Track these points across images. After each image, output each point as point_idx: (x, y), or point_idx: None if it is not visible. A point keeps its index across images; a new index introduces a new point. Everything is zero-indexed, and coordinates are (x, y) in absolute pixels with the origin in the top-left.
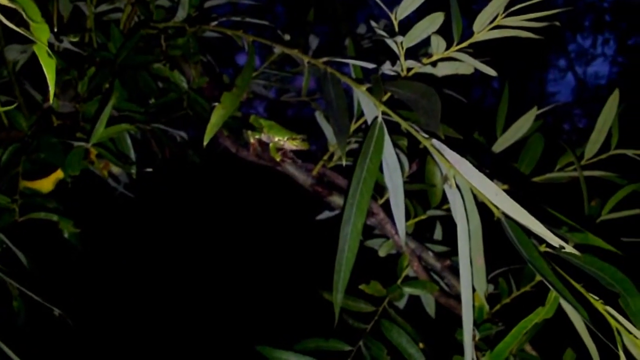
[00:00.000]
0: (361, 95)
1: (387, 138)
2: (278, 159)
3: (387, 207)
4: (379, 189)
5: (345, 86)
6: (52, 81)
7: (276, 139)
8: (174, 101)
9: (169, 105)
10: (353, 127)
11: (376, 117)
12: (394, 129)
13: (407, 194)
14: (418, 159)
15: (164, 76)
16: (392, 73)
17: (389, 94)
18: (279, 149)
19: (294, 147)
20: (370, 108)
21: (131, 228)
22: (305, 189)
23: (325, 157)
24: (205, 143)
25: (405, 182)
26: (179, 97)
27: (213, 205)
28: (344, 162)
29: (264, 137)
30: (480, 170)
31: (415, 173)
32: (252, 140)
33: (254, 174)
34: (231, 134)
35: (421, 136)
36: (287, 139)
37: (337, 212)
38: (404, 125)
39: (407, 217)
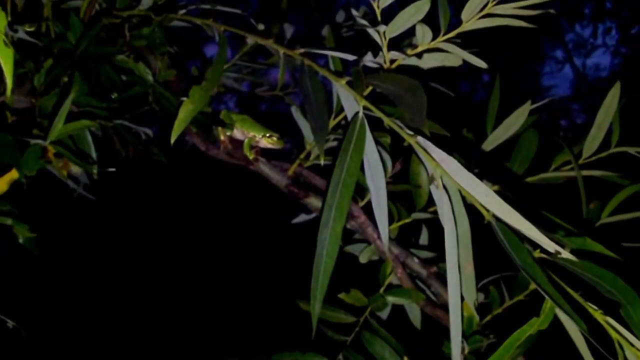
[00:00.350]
0: (341, 89)
1: (368, 135)
2: (251, 157)
3: (368, 210)
4: (360, 190)
5: (323, 79)
6: (9, 73)
7: (250, 134)
8: (138, 95)
9: (133, 100)
10: (332, 123)
11: (357, 113)
12: (376, 126)
13: (391, 196)
14: (402, 158)
15: (128, 68)
16: (374, 65)
17: (370, 88)
18: (253, 147)
19: (269, 146)
20: (351, 103)
21: (91, 233)
22: (280, 190)
23: (302, 156)
24: (172, 141)
25: (388, 183)
26: (144, 91)
27: (180, 208)
28: (322, 161)
29: (236, 134)
30: (469, 170)
31: (399, 173)
32: (222, 138)
33: (225, 173)
34: (200, 131)
35: (405, 133)
36: (262, 137)
37: (314, 215)
38: (387, 121)
39: (391, 221)
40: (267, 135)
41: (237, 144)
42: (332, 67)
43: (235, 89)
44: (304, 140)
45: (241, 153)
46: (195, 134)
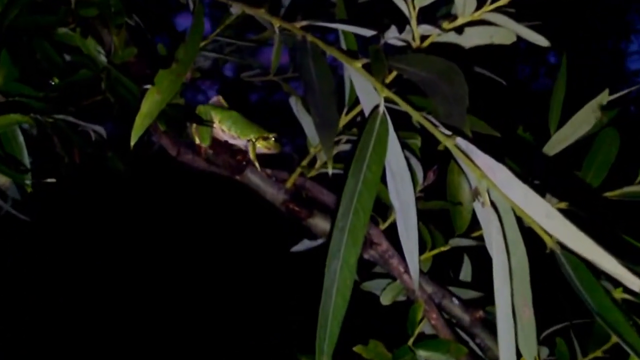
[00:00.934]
0: (355, 74)
1: (392, 135)
2: (256, 163)
3: (392, 235)
4: (381, 209)
5: (332, 62)
6: None
7: (238, 137)
8: (87, 82)
9: (80, 88)
10: (344, 120)
11: (377, 107)
12: (403, 123)
13: (422, 216)
14: (437, 166)
15: (73, 46)
16: (400, 43)
17: (395, 74)
18: (239, 152)
19: (265, 151)
20: (369, 93)
21: (24, 263)
22: (276, 208)
23: (304, 163)
24: (132, 143)
25: (418, 199)
26: (95, 75)
27: (142, 234)
28: (330, 170)
29: (219, 134)
30: (526, 182)
31: (433, 186)
32: (201, 139)
33: (202, 186)
34: (170, 130)
35: (441, 133)
36: (256, 139)
37: (321, 241)
38: (417, 117)
39: (422, 249)
40: (263, 137)
41: (220, 147)
42: (343, 45)
43: (215, 73)
44: (306, 142)
45: (225, 159)
46: (163, 134)
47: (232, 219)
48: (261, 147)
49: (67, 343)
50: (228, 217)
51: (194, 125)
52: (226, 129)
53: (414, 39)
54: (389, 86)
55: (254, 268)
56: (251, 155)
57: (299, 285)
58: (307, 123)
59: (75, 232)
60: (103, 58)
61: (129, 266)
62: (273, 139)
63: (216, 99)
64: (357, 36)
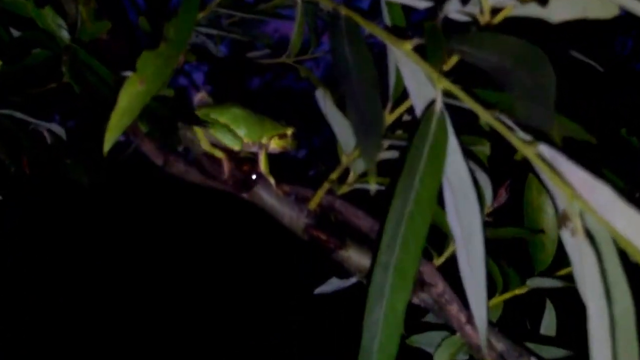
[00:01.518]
0: (404, 59)
1: (452, 141)
2: (272, 180)
3: (451, 272)
4: (437, 238)
5: (372, 42)
6: None
7: (250, 141)
8: (42, 66)
9: (33, 74)
10: (387, 119)
11: (432, 102)
12: (466, 124)
13: (491, 247)
14: (510, 181)
15: (25, 17)
16: (464, 18)
17: (456, 58)
18: (246, 161)
19: (280, 150)
20: (422, 84)
21: None
22: (296, 235)
23: (334, 176)
24: (106, 148)
25: (486, 225)
26: (54, 57)
27: (116, 267)
28: (372, 186)
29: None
30: (634, 202)
31: (505, 207)
32: (205, 146)
33: (197, 206)
34: (156, 132)
35: (518, 138)
36: (272, 137)
37: (355, 280)
38: (485, 117)
39: (491, 292)
40: (279, 134)
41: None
42: (387, 20)
43: (212, 54)
44: (336, 148)
45: (227, 169)
46: (145, 137)
47: (235, 251)
48: (276, 146)
49: None
50: (230, 249)
51: (196, 128)
52: (235, 128)
53: (482, 12)
54: (448, 75)
55: (267, 316)
56: (262, 166)
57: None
58: (339, 123)
59: (29, 263)
60: (65, 34)
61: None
62: (291, 134)
63: (200, 96)
64: (406, 8)
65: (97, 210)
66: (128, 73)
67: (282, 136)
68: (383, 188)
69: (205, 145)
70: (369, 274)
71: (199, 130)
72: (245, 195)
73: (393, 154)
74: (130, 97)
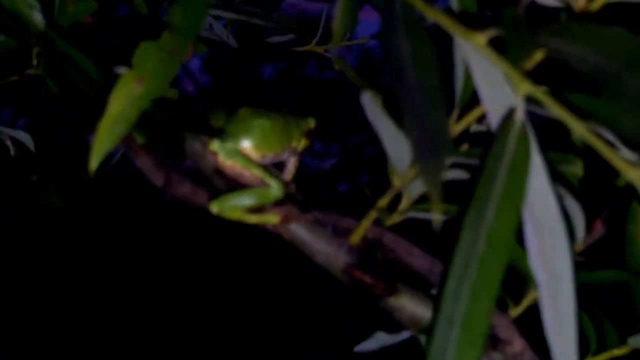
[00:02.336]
0: (476, 56)
1: (536, 160)
2: (278, 222)
3: (531, 326)
4: (515, 282)
5: (434, 31)
6: None
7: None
8: (9, 57)
9: None
10: (452, 130)
11: (512, 110)
12: (550, 137)
13: (584, 295)
14: (608, 211)
15: None
16: (554, 3)
17: (541, 54)
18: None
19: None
20: (498, 87)
21: None
22: (333, 276)
23: (383, 202)
24: (92, 165)
25: (578, 266)
26: (24, 45)
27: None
28: (436, 217)
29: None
30: None
31: (602, 244)
32: (224, 160)
33: (208, 238)
34: (156, 144)
35: (621, 159)
36: (300, 139)
37: (407, 334)
38: (580, 131)
39: (583, 352)
40: (305, 132)
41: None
42: (454, 5)
43: (223, 41)
44: (386, 165)
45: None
46: (141, 150)
47: (254, 297)
48: (301, 148)
49: None
50: (248, 295)
51: (212, 140)
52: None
53: None
54: (532, 75)
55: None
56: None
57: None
58: (391, 134)
59: None
60: (39, 17)
61: None
62: (314, 126)
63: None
64: None
65: (65, 246)
66: (121, 69)
67: (308, 133)
68: (447, 217)
69: (226, 162)
70: (428, 328)
71: (212, 142)
72: (269, 227)
73: (458, 175)
74: (125, 100)
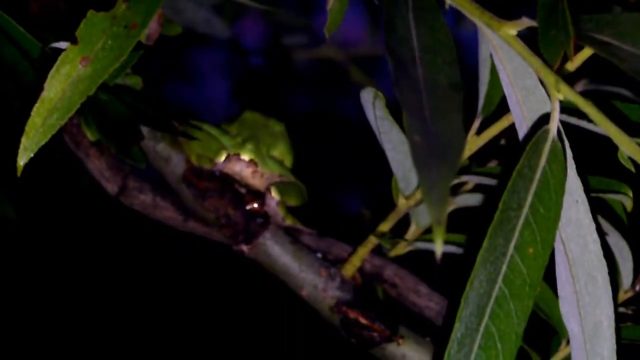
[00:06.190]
0: (504, 51)
1: (573, 184)
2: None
3: None
4: (542, 333)
5: (453, 24)
6: None
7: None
8: None
9: None
10: (472, 144)
11: (545, 121)
12: (593, 158)
13: (628, 353)
14: None
15: None
16: None
17: (587, 53)
18: (251, 196)
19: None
20: (530, 91)
21: None
22: (321, 315)
23: (385, 227)
24: (20, 161)
25: (621, 319)
26: None
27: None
28: (438, 250)
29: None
30: None
31: None
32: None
33: (173, 262)
34: (110, 142)
35: None
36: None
37: None
38: (629, 148)
39: None
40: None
41: (210, 183)
42: None
43: (218, 35)
44: (391, 181)
45: (218, 207)
46: (92, 150)
47: (229, 334)
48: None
49: None
50: (222, 331)
51: (230, 144)
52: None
53: None
54: (571, 79)
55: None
56: (280, 211)
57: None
58: (396, 145)
59: None
60: None
61: None
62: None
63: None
64: None
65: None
66: (63, 44)
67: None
68: (460, 251)
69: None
70: None
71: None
72: (244, 247)
73: (478, 200)
74: (65, 83)
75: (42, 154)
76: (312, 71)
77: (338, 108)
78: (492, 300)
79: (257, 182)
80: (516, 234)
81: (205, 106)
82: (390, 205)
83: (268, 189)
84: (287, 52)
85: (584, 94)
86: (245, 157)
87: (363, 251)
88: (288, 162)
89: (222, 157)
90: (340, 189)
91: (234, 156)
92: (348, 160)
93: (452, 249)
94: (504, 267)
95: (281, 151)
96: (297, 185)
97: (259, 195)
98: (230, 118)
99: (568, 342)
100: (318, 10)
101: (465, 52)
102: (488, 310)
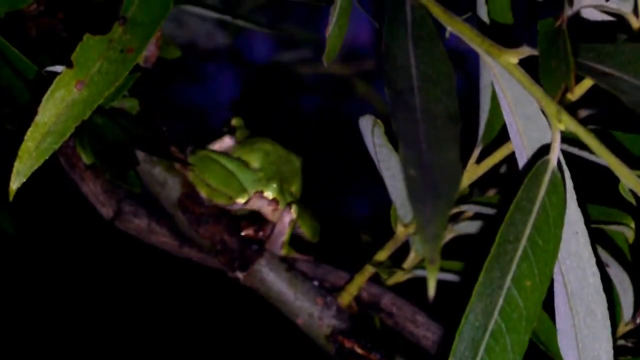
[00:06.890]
0: (505, 79)
1: (573, 215)
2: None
3: None
4: None
5: (453, 47)
6: None
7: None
8: None
9: None
10: (470, 173)
11: (546, 151)
12: (593, 189)
13: None
14: None
15: None
16: (605, 18)
17: (587, 84)
18: (248, 221)
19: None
20: (531, 120)
21: None
22: (315, 344)
23: (383, 256)
24: (12, 186)
25: (622, 353)
26: None
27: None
28: (431, 283)
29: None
30: None
31: None
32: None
33: (169, 287)
34: (105, 166)
35: None
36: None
37: None
38: (630, 181)
39: None
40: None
41: (204, 208)
42: (483, 14)
43: (222, 51)
44: (391, 213)
45: (214, 234)
46: (87, 173)
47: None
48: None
49: None
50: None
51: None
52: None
53: (637, 10)
54: (573, 109)
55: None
56: (285, 235)
57: None
58: (395, 173)
59: None
60: None
61: None
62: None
63: (234, 122)
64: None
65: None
66: (58, 68)
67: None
68: (457, 280)
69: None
70: None
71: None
72: (239, 275)
73: (478, 228)
74: (60, 107)
75: (42, 171)
76: (317, 85)
77: (343, 124)
78: (487, 334)
79: (276, 218)
80: (513, 266)
81: (207, 120)
82: (390, 228)
83: (289, 205)
84: (292, 66)
85: (585, 121)
86: (269, 195)
87: (360, 279)
88: (299, 194)
89: (244, 200)
90: (340, 209)
91: (256, 193)
92: (349, 178)
93: (450, 276)
94: (501, 300)
95: (297, 187)
96: (314, 221)
97: (256, 220)
98: (243, 142)
99: None
100: (324, 24)
101: (467, 78)
102: (483, 344)
